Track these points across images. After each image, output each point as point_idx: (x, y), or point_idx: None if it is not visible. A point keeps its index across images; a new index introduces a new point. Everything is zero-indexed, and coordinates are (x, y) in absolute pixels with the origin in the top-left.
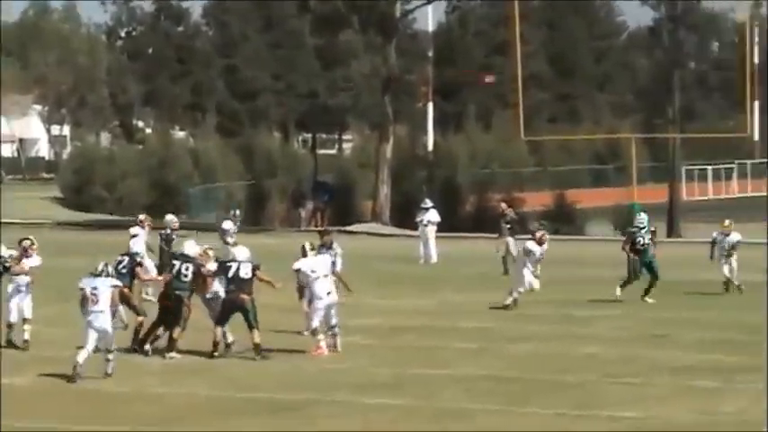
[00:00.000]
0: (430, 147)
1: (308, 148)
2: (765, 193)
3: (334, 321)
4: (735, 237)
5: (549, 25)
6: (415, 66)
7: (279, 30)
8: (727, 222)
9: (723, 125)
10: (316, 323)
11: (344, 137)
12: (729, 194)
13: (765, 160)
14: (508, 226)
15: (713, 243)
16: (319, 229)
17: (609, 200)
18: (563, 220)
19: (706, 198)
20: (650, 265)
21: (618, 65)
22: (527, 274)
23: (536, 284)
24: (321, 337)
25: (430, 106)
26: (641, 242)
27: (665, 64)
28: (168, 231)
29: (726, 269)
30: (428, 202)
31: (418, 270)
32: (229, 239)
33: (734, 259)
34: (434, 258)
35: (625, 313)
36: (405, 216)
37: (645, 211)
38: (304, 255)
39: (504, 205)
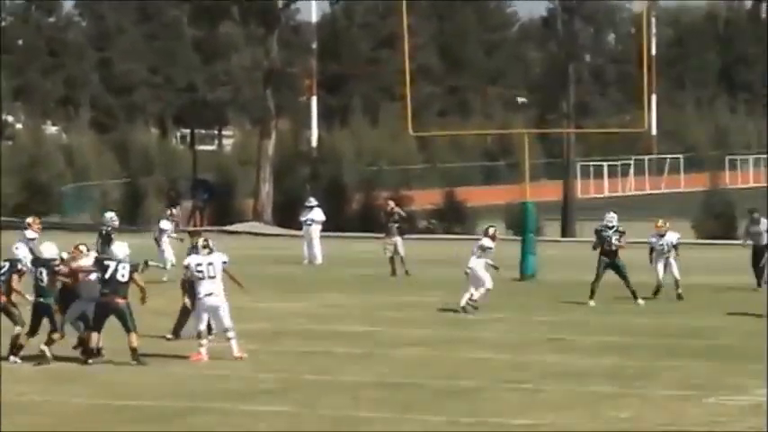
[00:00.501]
0: (314, 142)
1: (187, 145)
2: (679, 190)
3: (226, 324)
4: (672, 237)
5: (438, 16)
6: (298, 58)
7: (156, 21)
8: (660, 222)
9: (620, 120)
10: (200, 326)
11: (225, 132)
12: (626, 192)
13: (672, 156)
14: (396, 225)
15: (651, 247)
16: (190, 229)
17: (501, 198)
18: (453, 219)
19: (602, 196)
20: (617, 266)
21: (510, 57)
22: (482, 270)
23: (489, 282)
24: (204, 342)
25: (314, 100)
26: (609, 242)
27: (559, 57)
28: (109, 229)
29: (661, 272)
30: (312, 201)
31: (302, 271)
32: (165, 242)
33: (674, 262)
34: (319, 259)
35: (517, 317)
36: (288, 215)
37: (615, 212)
38: (196, 251)
39: (391, 204)
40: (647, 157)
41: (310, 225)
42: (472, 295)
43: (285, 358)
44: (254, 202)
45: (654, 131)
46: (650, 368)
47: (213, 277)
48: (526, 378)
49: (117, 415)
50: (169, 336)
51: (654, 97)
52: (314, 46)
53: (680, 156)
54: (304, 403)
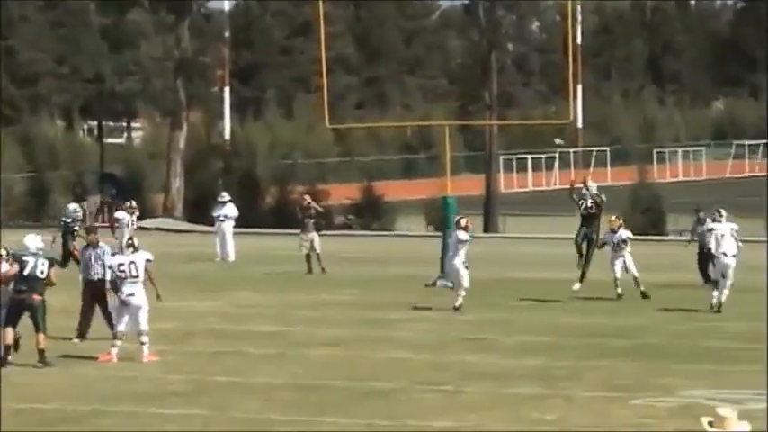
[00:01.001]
0: (227, 135)
1: (94, 138)
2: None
3: (142, 327)
4: (624, 233)
5: (355, 4)
6: (210, 47)
7: (61, 8)
8: (613, 218)
9: (544, 111)
10: (119, 327)
11: (133, 125)
12: (551, 186)
13: (599, 148)
14: (312, 221)
15: (604, 243)
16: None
17: (420, 192)
18: (371, 215)
19: (526, 190)
20: (590, 239)
21: (430, 46)
22: (462, 268)
23: (466, 282)
24: (118, 343)
25: (226, 91)
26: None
27: (481, 45)
28: (70, 221)
29: (618, 269)
30: (225, 196)
31: (214, 269)
32: (125, 235)
33: (627, 257)
34: (232, 256)
35: (437, 315)
36: (199, 211)
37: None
38: (121, 251)
39: (307, 198)
40: (572, 150)
41: (223, 221)
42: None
43: (196, 359)
44: (165, 197)
45: (579, 123)
46: (576, 368)
47: (136, 277)
48: (446, 379)
49: (17, 418)
50: (75, 339)
51: (579, 88)
52: (226, 35)
53: (606, 148)
54: (215, 406)
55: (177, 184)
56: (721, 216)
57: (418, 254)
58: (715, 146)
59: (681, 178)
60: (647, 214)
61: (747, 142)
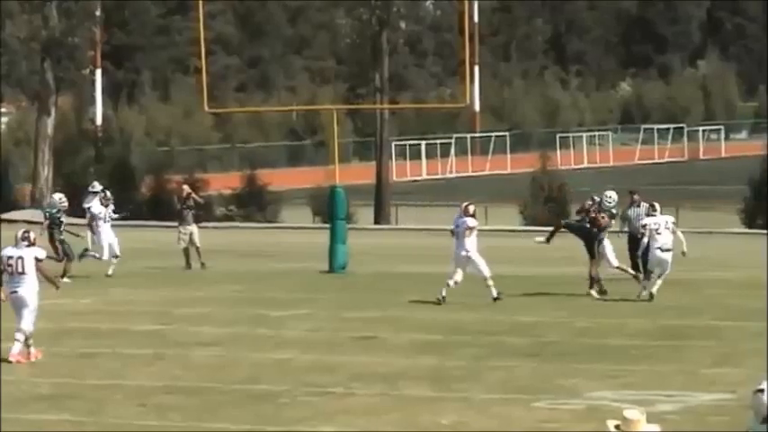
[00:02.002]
0: (99, 121)
1: None
2: (505, 172)
3: (24, 326)
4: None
5: None
6: (80, 27)
7: None
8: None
9: (439, 94)
10: (20, 324)
11: None
12: (447, 174)
13: (497, 133)
14: (192, 212)
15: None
16: None
17: (307, 181)
18: (254, 205)
19: (420, 178)
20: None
21: (316, 25)
22: (479, 256)
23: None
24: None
25: (98, 74)
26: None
27: (371, 24)
28: (55, 212)
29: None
30: (97, 186)
31: (85, 264)
32: (102, 226)
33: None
34: (106, 251)
35: (325, 313)
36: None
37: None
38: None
39: (186, 188)
40: (469, 136)
41: None
42: (456, 283)
43: (67, 361)
44: (32, 186)
45: (477, 107)
46: (473, 369)
47: (22, 273)
48: (335, 381)
49: None
50: None
51: (476, 69)
52: (98, 13)
53: (506, 134)
54: (87, 411)
55: (45, 173)
56: (655, 210)
57: (305, 247)
58: (622, 130)
59: (586, 165)
60: (550, 204)
61: (656, 126)
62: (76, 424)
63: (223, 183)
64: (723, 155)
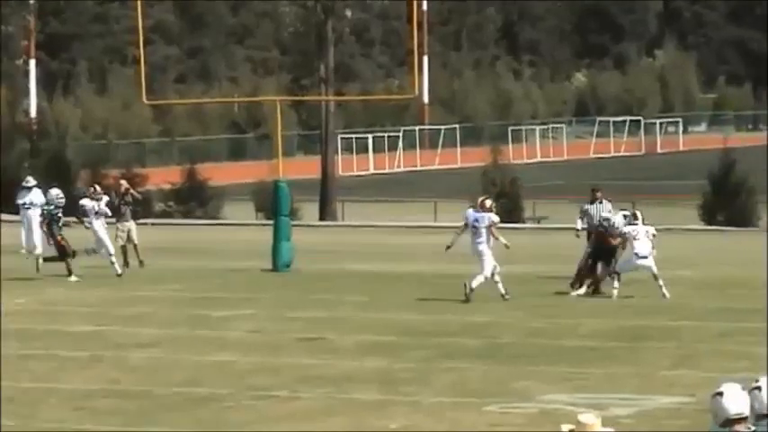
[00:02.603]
0: (33, 113)
1: None
2: (456, 166)
3: None
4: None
5: None
6: (13, 16)
7: None
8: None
9: (387, 86)
10: None
11: None
12: (394, 168)
13: (447, 126)
14: (129, 208)
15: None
16: None
17: (249, 176)
18: (194, 201)
19: (366, 173)
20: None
21: (259, 14)
22: (489, 254)
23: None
24: None
25: (32, 64)
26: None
27: (315, 12)
28: (53, 208)
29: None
30: (31, 181)
31: (20, 262)
32: (98, 225)
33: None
34: (39, 248)
35: (269, 313)
36: (2, 197)
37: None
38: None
39: (124, 183)
40: (418, 129)
41: (29, 209)
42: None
43: None
44: None
45: (426, 99)
46: (422, 371)
47: None
48: (279, 383)
49: None
50: None
51: (425, 59)
52: (31, 1)
53: (456, 126)
54: (20, 415)
55: None
56: (636, 219)
57: (247, 244)
58: (576, 123)
59: (539, 159)
60: (502, 200)
61: (612, 119)
62: (9, 428)
63: (162, 177)
64: (681, 148)
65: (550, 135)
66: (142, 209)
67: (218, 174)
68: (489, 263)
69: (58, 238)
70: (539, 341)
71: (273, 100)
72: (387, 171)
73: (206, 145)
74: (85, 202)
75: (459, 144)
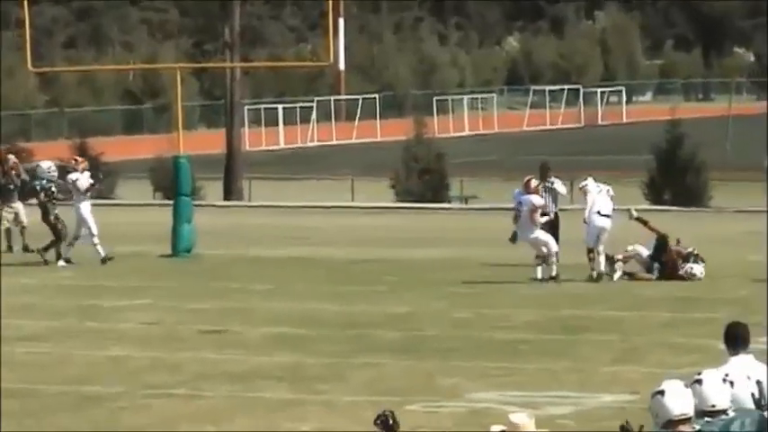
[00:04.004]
0: None
1: None
2: (375, 140)
3: None
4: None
5: None
6: None
7: None
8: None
9: (298, 52)
10: None
11: None
12: (307, 143)
13: (366, 96)
14: (14, 187)
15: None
16: None
17: (146, 151)
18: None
19: (276, 148)
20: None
21: None
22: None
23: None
24: None
25: None
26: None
27: None
28: (45, 182)
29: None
30: None
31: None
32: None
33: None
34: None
35: (167, 304)
36: None
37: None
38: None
39: (12, 158)
40: (333, 99)
41: None
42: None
43: None
44: None
45: (342, 66)
46: (336, 367)
47: None
48: (179, 381)
49: None
50: None
51: (341, 22)
52: None
53: (375, 96)
54: None
55: None
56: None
57: (144, 227)
58: (508, 92)
59: (467, 132)
60: (426, 177)
61: (548, 87)
62: None
63: (50, 152)
64: (624, 120)
65: (479, 106)
66: (29, 188)
67: (111, 148)
68: (549, 243)
69: (52, 218)
70: (466, 333)
71: (173, 67)
72: (299, 145)
73: (98, 117)
74: (76, 176)
75: (378, 116)
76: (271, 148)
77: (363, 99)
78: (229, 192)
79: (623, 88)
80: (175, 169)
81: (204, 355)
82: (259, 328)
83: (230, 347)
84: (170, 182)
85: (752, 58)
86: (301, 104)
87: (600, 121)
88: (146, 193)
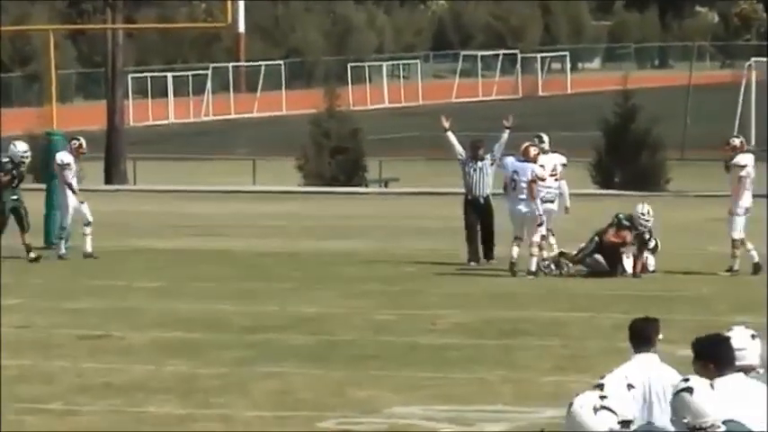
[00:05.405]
0: None
1: None
2: (280, 113)
3: None
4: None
5: None
6: None
7: None
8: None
9: (192, 12)
10: None
11: None
12: (201, 117)
13: (270, 62)
14: None
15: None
16: None
17: (17, 126)
18: None
19: (164, 122)
20: None
21: None
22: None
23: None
24: None
25: None
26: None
27: None
28: (18, 162)
29: None
30: None
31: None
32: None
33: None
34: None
35: (37, 304)
36: None
37: None
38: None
39: None
40: (231, 65)
41: None
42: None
43: None
44: None
45: (241, 27)
46: (236, 376)
47: None
48: (53, 394)
49: None
50: None
51: None
52: None
53: (281, 63)
54: None
55: None
56: (543, 142)
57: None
58: (435, 58)
59: (387, 105)
60: (339, 157)
61: (480, 53)
62: None
63: None
64: (569, 90)
65: (401, 74)
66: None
67: None
68: (538, 228)
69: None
70: (386, 338)
71: (45, 29)
72: (191, 120)
73: None
74: (68, 158)
75: (284, 85)
76: (159, 122)
77: (266, 66)
78: (111, 174)
79: (567, 54)
80: (48, 147)
81: (81, 364)
82: (145, 333)
83: (111, 355)
84: (42, 162)
85: (716, 19)
86: (194, 72)
87: (540, 92)
88: None
